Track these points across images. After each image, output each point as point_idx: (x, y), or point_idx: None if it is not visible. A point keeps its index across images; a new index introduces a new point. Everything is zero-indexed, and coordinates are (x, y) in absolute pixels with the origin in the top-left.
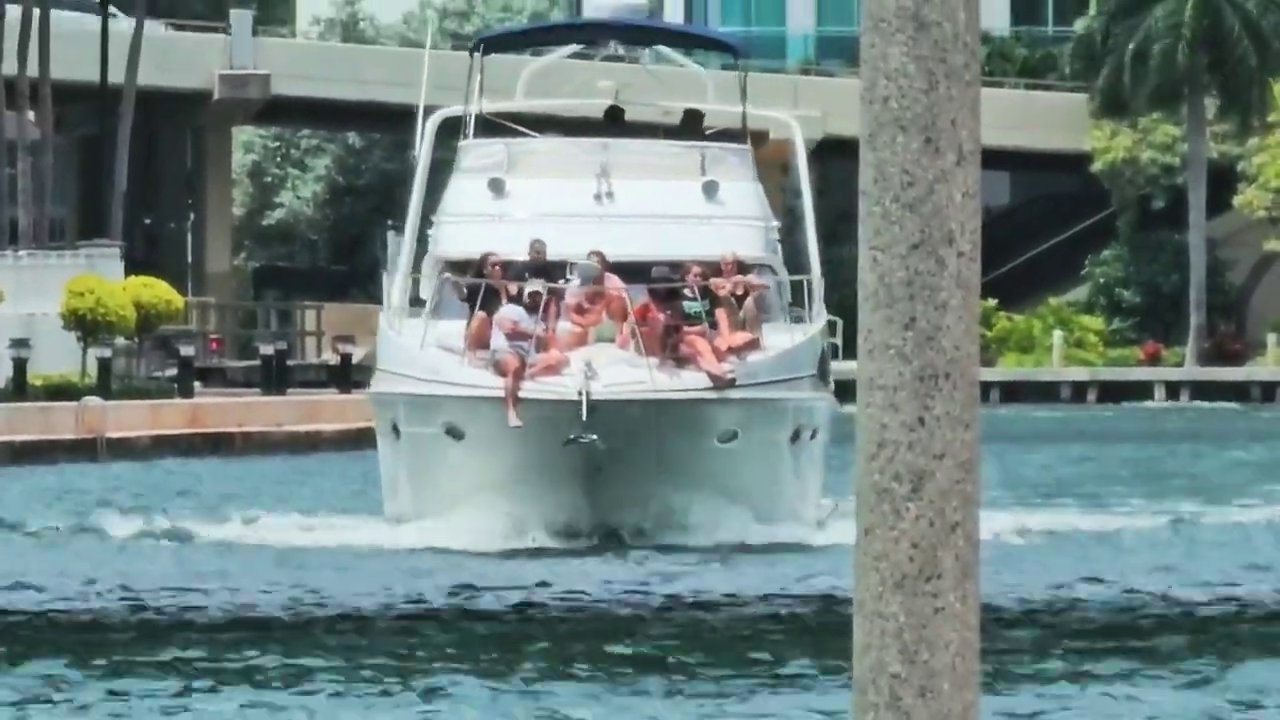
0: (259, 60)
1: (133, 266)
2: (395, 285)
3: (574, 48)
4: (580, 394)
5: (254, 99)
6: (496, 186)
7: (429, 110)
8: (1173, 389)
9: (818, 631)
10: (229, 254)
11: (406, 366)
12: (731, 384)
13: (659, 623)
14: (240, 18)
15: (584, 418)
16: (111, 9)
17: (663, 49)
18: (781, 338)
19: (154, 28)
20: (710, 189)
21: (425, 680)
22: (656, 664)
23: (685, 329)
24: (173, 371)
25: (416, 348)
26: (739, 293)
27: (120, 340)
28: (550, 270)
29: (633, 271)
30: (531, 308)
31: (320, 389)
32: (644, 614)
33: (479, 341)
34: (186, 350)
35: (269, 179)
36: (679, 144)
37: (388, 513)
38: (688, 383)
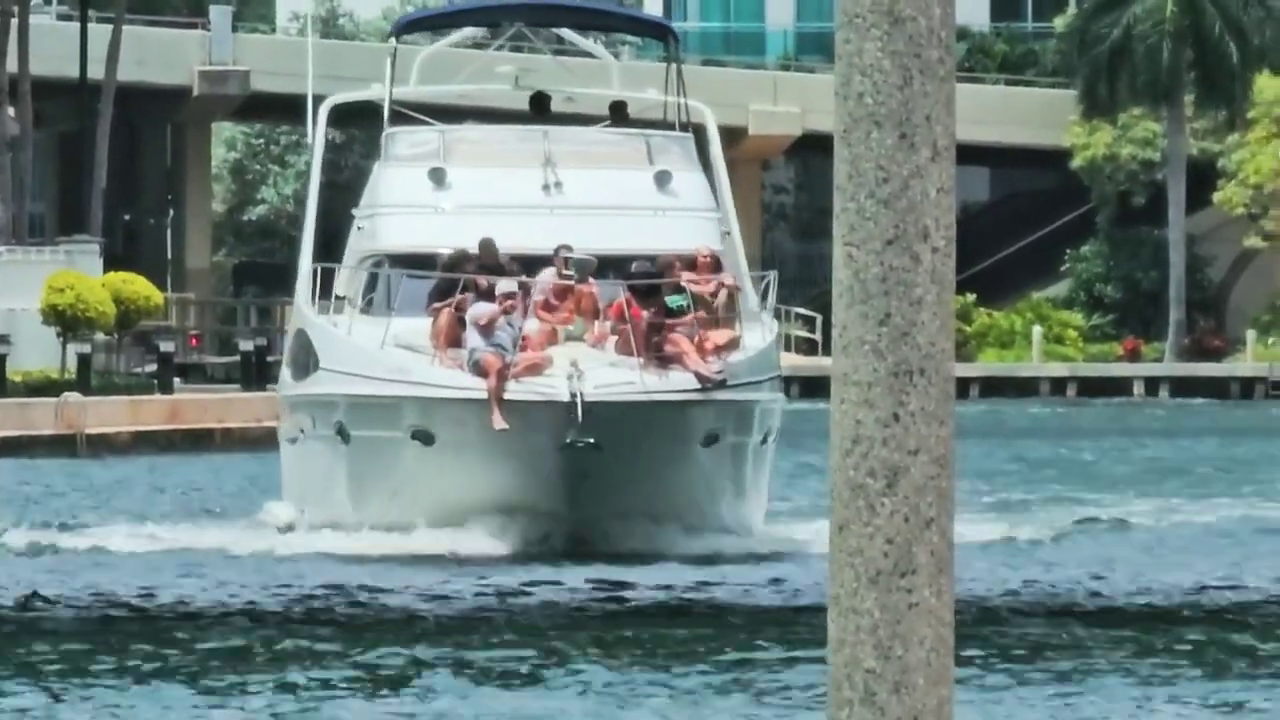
0: (238, 56)
1: (112, 262)
2: (339, 278)
3: (469, 32)
4: (574, 395)
5: (234, 95)
6: (437, 176)
7: (317, 100)
8: (1152, 385)
9: (796, 627)
10: (209, 250)
11: (362, 366)
12: (723, 384)
13: (636, 625)
14: (220, 13)
15: (579, 420)
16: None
17: (568, 33)
18: (754, 336)
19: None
20: (662, 179)
21: (400, 681)
22: (638, 664)
23: (671, 324)
24: (152, 367)
25: (374, 346)
26: (711, 290)
27: (100, 336)
28: (505, 269)
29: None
30: (507, 309)
31: None
32: (623, 616)
33: (450, 340)
34: (166, 346)
35: (249, 176)
36: (620, 132)
37: (308, 520)
38: (677, 383)
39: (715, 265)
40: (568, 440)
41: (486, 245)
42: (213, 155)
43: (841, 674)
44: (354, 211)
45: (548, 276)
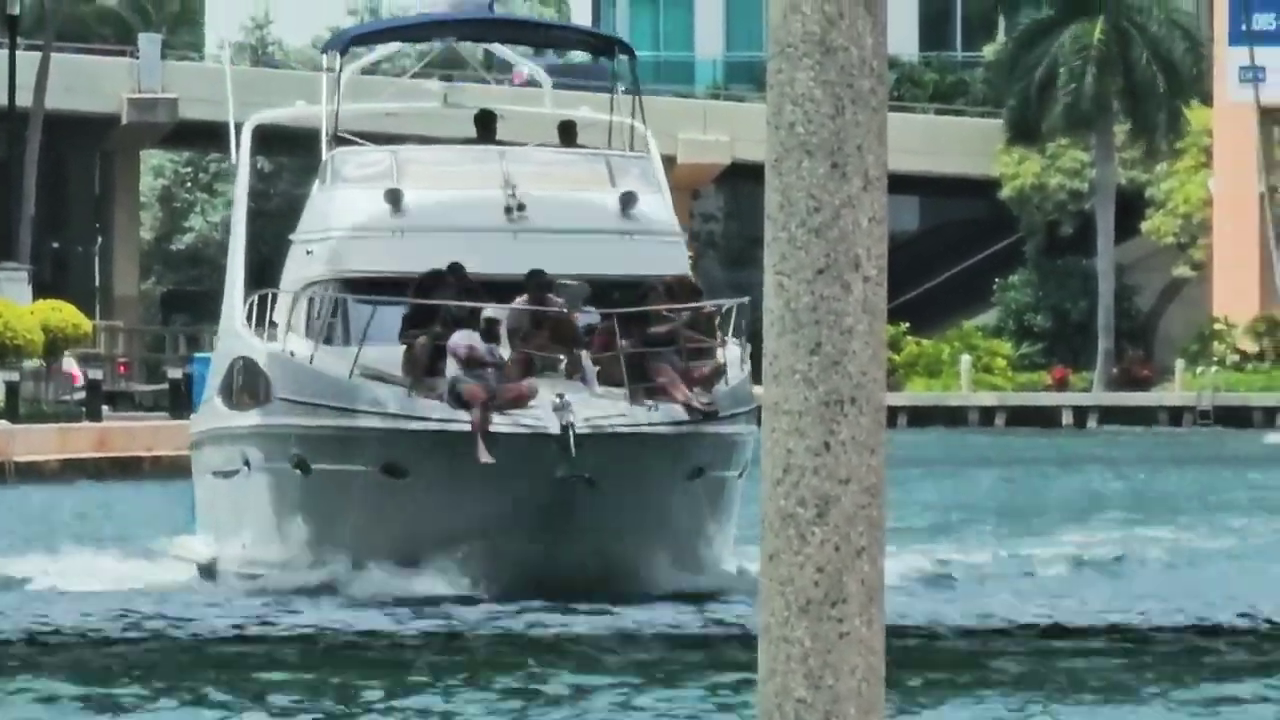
0: (167, 84)
1: (41, 290)
2: (280, 305)
3: (395, 47)
4: (565, 428)
5: (162, 122)
6: (394, 198)
7: (238, 126)
8: (1080, 414)
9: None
10: (137, 278)
11: (328, 396)
12: (715, 415)
13: (621, 661)
14: (148, 41)
15: (572, 453)
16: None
17: (500, 49)
18: (732, 367)
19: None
20: (627, 200)
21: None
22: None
23: (660, 333)
24: (81, 395)
25: (341, 375)
26: (692, 319)
27: (28, 364)
28: (476, 294)
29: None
30: (489, 334)
31: None
32: (607, 650)
33: (426, 370)
34: (94, 374)
35: (178, 204)
36: (578, 152)
37: (247, 556)
38: (667, 415)
39: (693, 292)
40: (559, 474)
41: (457, 270)
42: (141, 183)
43: (772, 703)
44: (292, 236)
45: (520, 303)
